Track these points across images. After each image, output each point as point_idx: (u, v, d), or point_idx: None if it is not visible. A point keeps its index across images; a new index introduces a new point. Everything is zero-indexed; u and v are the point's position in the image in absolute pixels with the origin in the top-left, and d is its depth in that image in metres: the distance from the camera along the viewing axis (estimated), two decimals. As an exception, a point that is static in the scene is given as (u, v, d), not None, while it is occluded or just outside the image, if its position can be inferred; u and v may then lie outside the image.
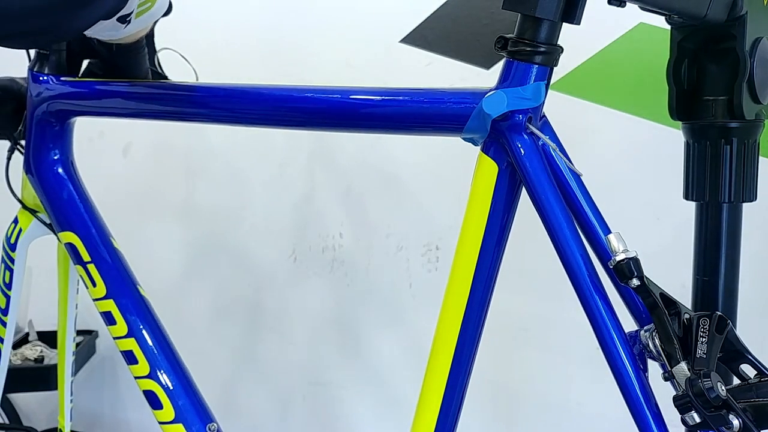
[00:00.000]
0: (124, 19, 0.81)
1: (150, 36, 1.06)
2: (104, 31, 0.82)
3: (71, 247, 1.05)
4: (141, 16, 0.84)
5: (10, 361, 1.17)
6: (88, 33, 0.81)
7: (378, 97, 0.85)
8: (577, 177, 0.80)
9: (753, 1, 0.80)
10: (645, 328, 0.76)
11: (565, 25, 0.75)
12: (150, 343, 1.01)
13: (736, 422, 0.67)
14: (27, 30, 0.70)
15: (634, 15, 0.92)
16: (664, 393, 0.74)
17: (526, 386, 1.71)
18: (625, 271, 0.72)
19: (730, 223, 0.85)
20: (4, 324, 1.14)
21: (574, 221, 0.77)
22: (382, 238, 1.79)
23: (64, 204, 1.07)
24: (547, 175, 0.76)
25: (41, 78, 1.05)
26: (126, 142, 1.98)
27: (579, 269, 0.74)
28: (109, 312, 1.03)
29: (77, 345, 1.56)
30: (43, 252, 1.20)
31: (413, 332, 1.75)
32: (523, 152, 0.76)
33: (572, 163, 0.79)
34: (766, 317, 1.43)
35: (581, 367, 1.61)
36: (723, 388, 0.68)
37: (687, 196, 0.86)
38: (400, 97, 0.84)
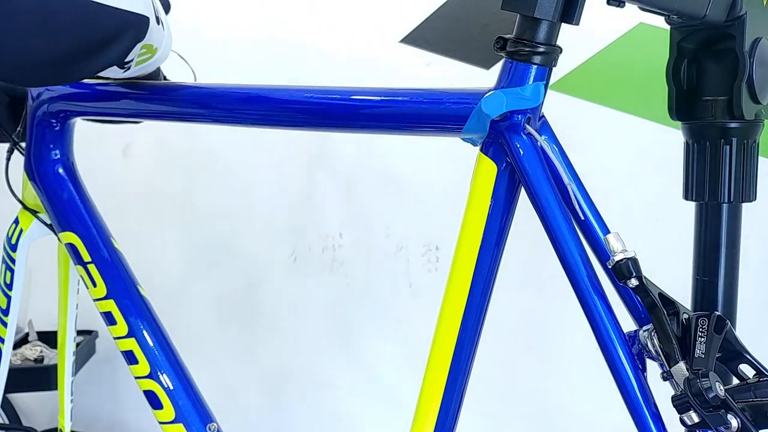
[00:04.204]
0: (123, 65, 0.84)
1: None
2: (105, 73, 0.86)
3: (72, 248, 1.05)
4: (141, 64, 0.87)
5: (9, 361, 1.17)
6: None
7: (378, 97, 0.85)
8: (576, 177, 0.80)
9: (752, 1, 0.80)
10: (644, 328, 0.76)
11: (565, 25, 0.75)
12: (150, 343, 1.02)
13: (734, 422, 0.67)
14: (37, 76, 0.75)
15: (633, 15, 0.92)
16: (662, 393, 0.74)
17: (525, 386, 1.71)
18: (624, 271, 0.72)
19: (729, 223, 0.85)
20: (5, 324, 1.14)
21: (573, 221, 0.77)
22: (382, 238, 1.79)
23: (65, 204, 1.07)
24: (546, 176, 0.76)
25: (41, 78, 1.05)
26: (126, 142, 1.98)
27: (578, 269, 0.74)
28: (110, 312, 1.03)
29: (77, 345, 1.56)
30: (43, 252, 1.21)
31: (413, 332, 1.75)
32: (522, 152, 0.76)
33: (566, 169, 0.79)
34: (766, 317, 1.43)
35: (580, 366, 1.61)
36: (721, 387, 0.68)
37: (687, 197, 0.86)
38: (400, 97, 0.84)
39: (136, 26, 0.78)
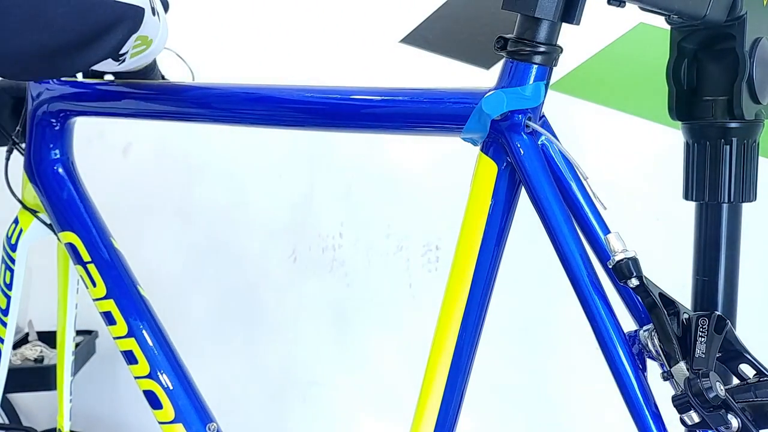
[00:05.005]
0: (118, 58, 0.84)
1: None
2: (99, 66, 0.85)
3: (71, 247, 1.05)
4: (135, 56, 0.87)
5: (9, 361, 1.17)
6: None
7: (378, 97, 0.85)
8: (576, 177, 0.80)
9: (752, 1, 0.80)
10: (644, 327, 0.76)
11: (565, 25, 0.75)
12: (150, 343, 1.02)
13: (734, 422, 0.67)
14: (32, 69, 0.75)
15: (634, 15, 0.92)
16: (663, 393, 0.74)
17: (525, 386, 1.71)
18: (624, 271, 0.72)
19: (729, 223, 0.85)
20: (5, 324, 1.14)
21: (573, 221, 0.77)
22: (382, 238, 1.79)
23: (64, 204, 1.07)
24: (547, 175, 0.76)
25: (42, 78, 1.05)
26: (126, 142, 1.98)
27: (578, 269, 0.74)
28: (109, 312, 1.03)
29: (77, 345, 1.56)
30: (43, 252, 1.20)
31: (413, 332, 1.75)
32: (522, 152, 0.76)
33: (575, 162, 0.79)
34: (766, 317, 1.43)
35: (580, 367, 1.61)
36: (722, 387, 0.68)
37: (687, 196, 0.86)
38: (400, 97, 0.84)
39: (131, 18, 0.78)
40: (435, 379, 0.82)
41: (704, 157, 0.83)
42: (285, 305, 1.91)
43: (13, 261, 1.13)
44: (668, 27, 0.85)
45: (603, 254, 0.77)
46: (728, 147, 0.82)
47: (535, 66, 0.75)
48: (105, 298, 1.03)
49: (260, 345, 1.96)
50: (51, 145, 1.07)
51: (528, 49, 0.74)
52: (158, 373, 1.00)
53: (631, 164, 1.55)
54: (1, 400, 1.71)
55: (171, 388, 1.00)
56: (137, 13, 0.78)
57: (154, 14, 0.83)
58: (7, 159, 1.12)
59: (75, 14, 0.72)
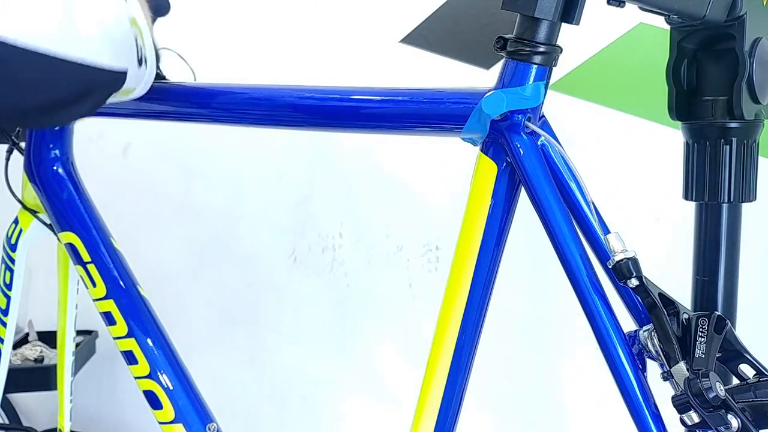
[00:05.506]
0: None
1: None
2: None
3: (71, 248, 1.05)
4: (119, 97, 0.85)
5: (9, 361, 1.17)
6: None
7: (378, 97, 0.85)
8: (576, 177, 0.80)
9: (752, 1, 0.80)
10: (644, 328, 0.76)
11: (565, 25, 0.75)
12: (150, 343, 1.01)
13: (734, 422, 0.67)
14: (26, 122, 0.77)
15: (633, 15, 0.92)
16: (663, 393, 0.74)
17: (525, 386, 1.71)
18: (624, 271, 0.72)
19: (729, 223, 0.85)
20: (5, 324, 1.14)
21: (573, 221, 0.77)
22: (382, 238, 1.79)
23: (64, 204, 1.07)
24: (547, 175, 0.76)
25: (41, 78, 1.05)
26: (126, 142, 1.98)
27: (578, 269, 0.74)
28: (109, 312, 1.03)
29: (77, 345, 1.56)
30: (43, 252, 1.21)
31: (413, 332, 1.75)
32: (522, 152, 0.76)
33: (566, 168, 0.79)
34: (766, 317, 1.43)
35: (580, 367, 1.61)
36: (721, 387, 0.68)
37: (686, 197, 0.86)
38: (400, 97, 0.84)
39: (109, 83, 0.75)
40: (435, 379, 0.82)
41: (704, 157, 0.83)
42: (285, 305, 1.91)
43: (13, 261, 1.13)
44: (668, 27, 0.85)
45: (603, 254, 0.77)
46: (728, 147, 0.82)
47: (535, 66, 0.75)
48: (105, 298, 1.03)
49: (260, 345, 1.96)
50: (51, 145, 1.07)
51: (528, 49, 0.74)
52: (158, 373, 1.00)
53: (631, 164, 1.55)
54: (1, 400, 1.71)
55: (171, 388, 1.00)
56: (116, 79, 0.75)
57: (141, 64, 0.79)
58: (7, 159, 1.12)
59: (45, 79, 0.68)
